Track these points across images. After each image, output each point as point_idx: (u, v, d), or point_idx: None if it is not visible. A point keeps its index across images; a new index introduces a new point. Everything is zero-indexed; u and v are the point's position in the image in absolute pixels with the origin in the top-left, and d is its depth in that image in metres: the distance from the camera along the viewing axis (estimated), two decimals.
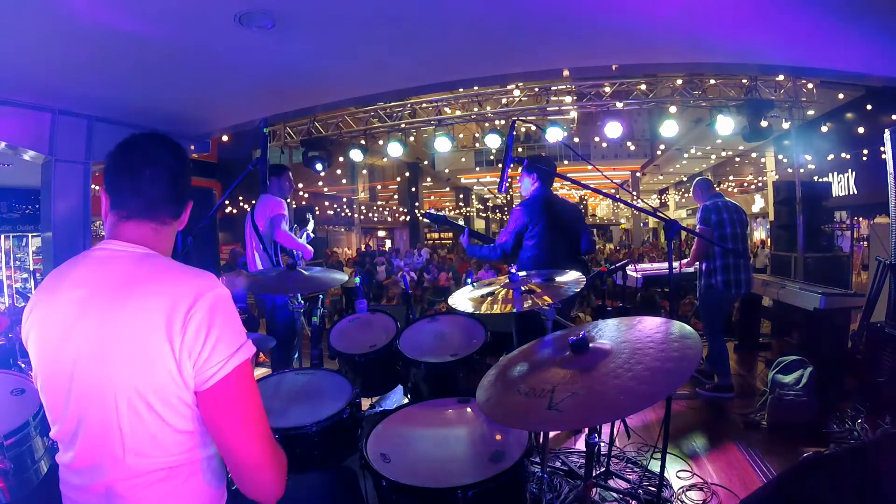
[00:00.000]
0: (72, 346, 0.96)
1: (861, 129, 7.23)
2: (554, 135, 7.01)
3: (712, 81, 6.63)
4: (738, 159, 15.12)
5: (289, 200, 3.74)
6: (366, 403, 2.70)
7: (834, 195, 7.75)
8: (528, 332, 2.51)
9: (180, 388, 0.94)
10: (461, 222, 24.65)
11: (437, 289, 10.19)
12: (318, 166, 7.61)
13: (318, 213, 16.52)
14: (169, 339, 0.92)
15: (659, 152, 17.17)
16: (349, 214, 19.34)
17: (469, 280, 2.82)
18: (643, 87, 6.84)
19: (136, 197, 1.05)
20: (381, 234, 22.52)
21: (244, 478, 0.99)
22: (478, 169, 20.68)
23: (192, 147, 4.73)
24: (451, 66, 3.72)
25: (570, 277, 2.06)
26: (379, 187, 21.98)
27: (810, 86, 6.54)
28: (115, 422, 0.93)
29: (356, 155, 7.73)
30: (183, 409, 0.96)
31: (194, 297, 0.95)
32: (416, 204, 20.62)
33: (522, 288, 1.96)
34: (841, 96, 7.26)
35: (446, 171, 20.66)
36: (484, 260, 3.67)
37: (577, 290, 1.92)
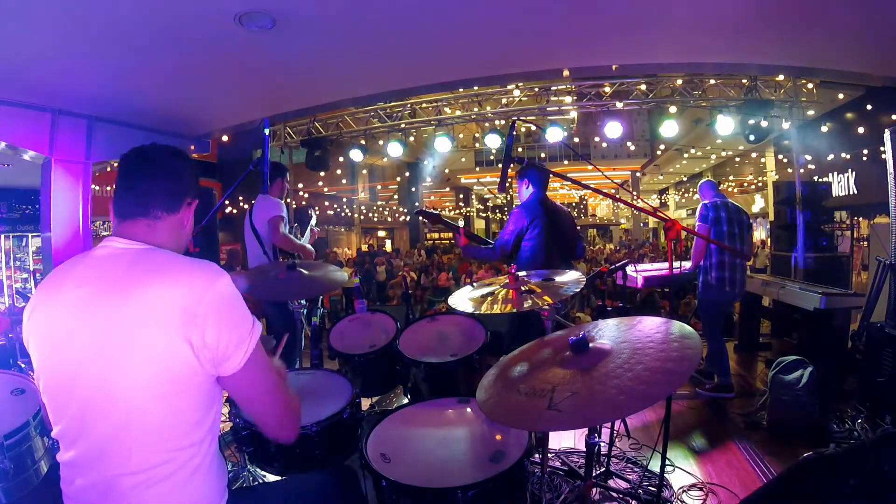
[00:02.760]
0: (76, 345, 0.96)
1: (861, 129, 7.22)
2: (554, 135, 7.01)
3: (712, 81, 6.63)
4: (738, 159, 15.12)
5: (288, 200, 3.73)
6: (366, 403, 2.70)
7: (834, 195, 7.73)
8: (525, 332, 2.51)
9: (195, 374, 0.97)
10: (461, 223, 24.63)
11: (437, 289, 10.19)
12: (320, 166, 7.62)
13: (318, 212, 16.51)
14: (184, 331, 0.94)
15: (659, 152, 17.18)
16: (349, 214, 19.33)
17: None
18: (643, 87, 6.84)
19: (128, 193, 1.08)
20: (381, 234, 22.52)
21: (270, 430, 1.15)
22: (478, 169, 20.67)
23: (192, 147, 4.73)
24: (451, 66, 3.73)
25: (570, 277, 2.06)
26: (379, 187, 21.97)
27: (810, 86, 6.53)
28: (119, 417, 0.93)
29: (356, 155, 7.73)
30: (191, 392, 0.98)
31: (202, 288, 0.98)
32: (416, 204, 20.61)
33: (522, 288, 1.96)
34: (841, 96, 7.25)
35: (446, 171, 20.66)
36: (483, 261, 3.68)
37: (577, 290, 1.92)
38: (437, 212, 3.52)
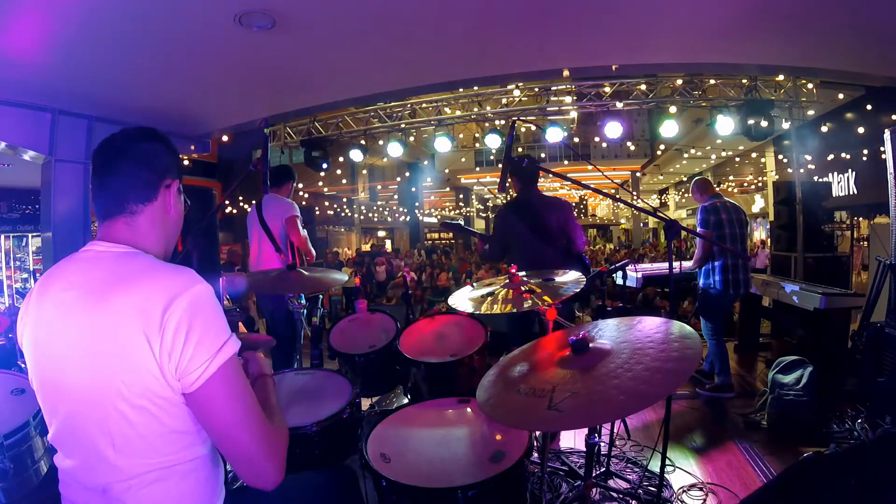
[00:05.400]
0: (59, 348, 0.95)
1: (861, 129, 7.23)
2: (554, 135, 7.02)
3: (712, 81, 6.63)
4: (738, 159, 15.14)
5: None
6: (366, 403, 2.70)
7: (834, 195, 7.73)
8: (525, 333, 2.51)
9: (164, 389, 0.92)
10: (461, 223, 24.65)
11: (437, 289, 10.19)
12: (319, 166, 7.62)
13: (318, 213, 16.53)
14: (147, 340, 0.90)
15: (659, 152, 17.20)
16: (349, 214, 19.34)
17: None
18: (643, 87, 6.84)
19: (103, 192, 1.04)
20: (381, 234, 22.53)
21: (242, 469, 0.98)
22: (478, 169, 20.69)
23: (192, 147, 4.73)
24: (451, 66, 3.72)
25: (570, 277, 2.06)
26: (379, 187, 21.98)
27: (810, 86, 6.54)
28: (103, 424, 0.92)
29: (356, 155, 7.73)
30: (170, 409, 0.94)
31: (171, 297, 0.92)
32: (416, 204, 20.61)
33: (522, 288, 1.96)
34: (841, 96, 7.26)
35: (446, 171, 20.67)
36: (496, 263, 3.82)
37: (577, 290, 1.92)
38: (456, 221, 3.64)
